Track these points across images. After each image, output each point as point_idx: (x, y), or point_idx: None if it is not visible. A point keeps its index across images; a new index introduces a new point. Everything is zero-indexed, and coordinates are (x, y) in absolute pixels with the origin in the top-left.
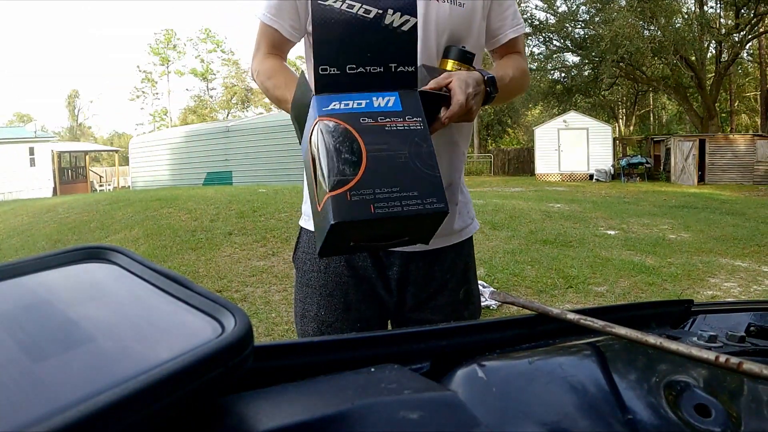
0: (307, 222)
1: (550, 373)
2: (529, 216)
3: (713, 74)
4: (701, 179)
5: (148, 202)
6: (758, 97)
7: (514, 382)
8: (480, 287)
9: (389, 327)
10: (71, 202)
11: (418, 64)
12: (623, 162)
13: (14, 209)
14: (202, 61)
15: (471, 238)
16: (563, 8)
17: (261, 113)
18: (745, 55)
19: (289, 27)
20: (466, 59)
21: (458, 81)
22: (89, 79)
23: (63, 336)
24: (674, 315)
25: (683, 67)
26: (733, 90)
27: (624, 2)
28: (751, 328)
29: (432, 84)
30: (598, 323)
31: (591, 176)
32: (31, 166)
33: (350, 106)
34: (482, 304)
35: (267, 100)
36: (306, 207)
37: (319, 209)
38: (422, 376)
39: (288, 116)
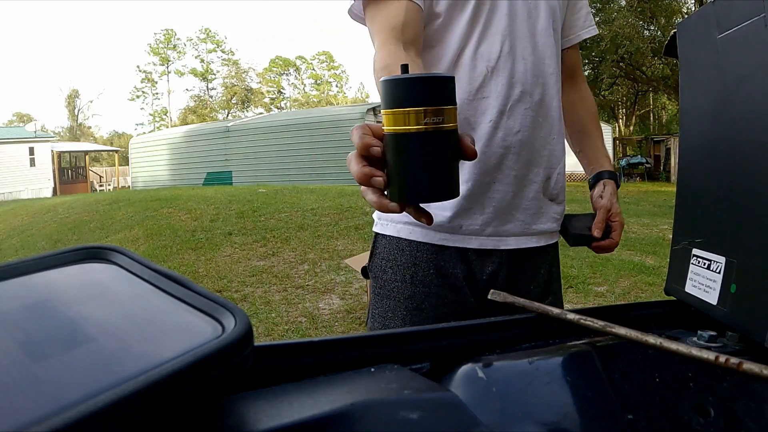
0: (384, 227)
1: (550, 373)
2: None
3: None
4: None
5: (148, 202)
6: None
7: (514, 382)
8: None
9: None
10: (71, 202)
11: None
12: (623, 162)
13: (14, 209)
14: (202, 61)
15: (556, 246)
16: None
17: (261, 113)
18: None
19: None
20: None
21: (621, 224)
22: (89, 79)
23: (63, 336)
24: (674, 315)
25: None
26: None
27: (624, 2)
28: None
29: (600, 229)
30: (598, 323)
31: None
32: (31, 166)
33: None
34: None
35: (268, 99)
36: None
37: None
38: (422, 376)
39: (288, 116)
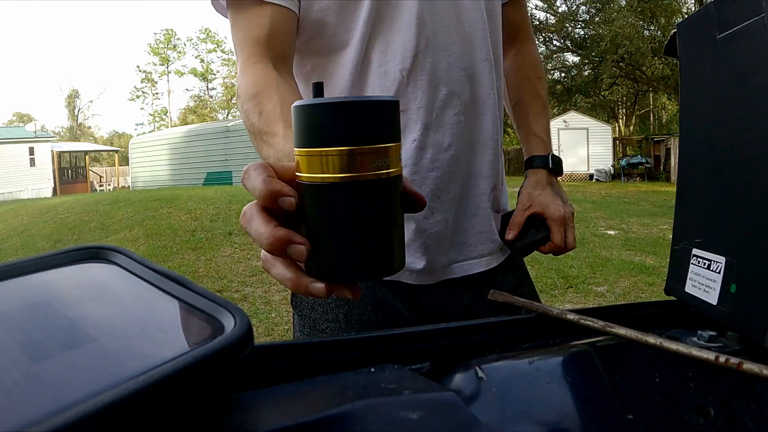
0: None
1: (550, 373)
2: None
3: None
4: None
5: (148, 202)
6: None
7: (514, 382)
8: None
9: None
10: (71, 202)
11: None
12: (623, 162)
13: (14, 209)
14: (202, 61)
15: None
16: (563, 8)
17: None
18: None
19: None
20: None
21: (559, 220)
22: (89, 79)
23: (62, 336)
24: (674, 315)
25: None
26: None
27: (624, 2)
28: None
29: (514, 230)
30: (598, 323)
31: (591, 176)
32: (31, 166)
33: None
34: None
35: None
36: None
37: None
38: (422, 376)
39: None
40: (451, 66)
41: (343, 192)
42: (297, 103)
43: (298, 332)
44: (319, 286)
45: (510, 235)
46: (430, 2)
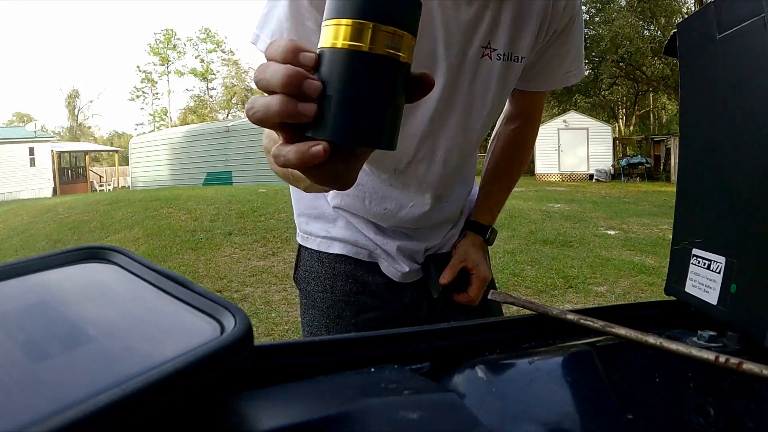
0: (305, 240)
1: (550, 373)
2: (528, 216)
3: None
4: None
5: (148, 202)
6: None
7: (514, 382)
8: None
9: None
10: (71, 202)
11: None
12: (623, 162)
13: (14, 209)
14: (202, 61)
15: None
16: None
17: None
18: None
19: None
20: None
21: (480, 279)
22: (89, 79)
23: (63, 336)
24: (674, 315)
25: None
26: None
27: (624, 2)
28: None
29: (448, 276)
30: (598, 323)
31: (591, 176)
32: (31, 166)
33: None
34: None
35: None
36: (303, 222)
37: None
38: (422, 376)
39: None
40: (445, 173)
41: (354, 59)
42: None
43: (300, 303)
44: (318, 149)
45: (444, 279)
46: (439, 124)
